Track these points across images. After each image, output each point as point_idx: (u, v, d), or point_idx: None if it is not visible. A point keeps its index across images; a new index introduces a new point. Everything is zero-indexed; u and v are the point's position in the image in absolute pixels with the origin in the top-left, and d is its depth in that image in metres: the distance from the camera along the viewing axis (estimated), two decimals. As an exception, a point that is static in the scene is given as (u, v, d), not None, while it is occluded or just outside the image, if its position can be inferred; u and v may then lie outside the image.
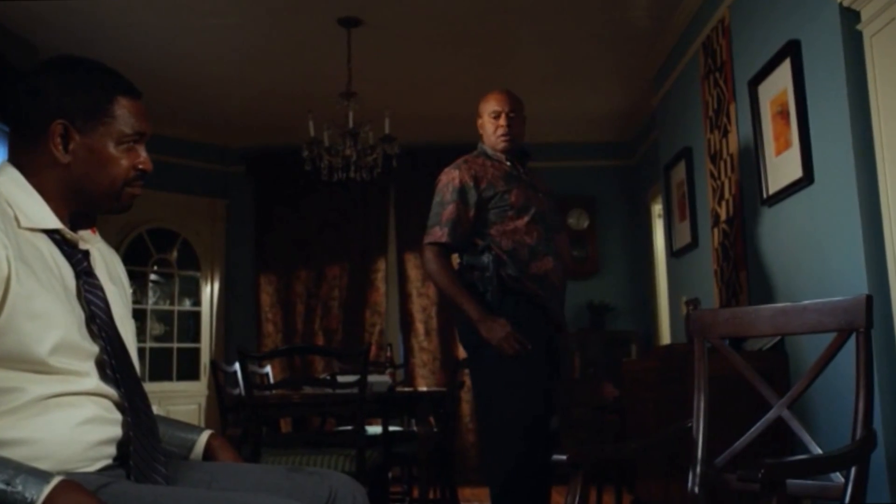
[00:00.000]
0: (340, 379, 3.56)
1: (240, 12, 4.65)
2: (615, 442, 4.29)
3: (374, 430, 4.10)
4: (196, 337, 6.72)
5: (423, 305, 6.70)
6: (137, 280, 6.39)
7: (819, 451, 1.82)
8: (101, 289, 1.39)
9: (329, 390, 3.54)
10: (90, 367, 1.32)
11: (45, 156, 1.36)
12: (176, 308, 6.67)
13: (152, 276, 6.62)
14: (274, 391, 3.85)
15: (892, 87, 2.69)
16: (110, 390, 1.33)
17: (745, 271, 3.84)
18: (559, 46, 5.19)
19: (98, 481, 1.22)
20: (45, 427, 1.24)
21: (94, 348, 1.34)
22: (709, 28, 4.28)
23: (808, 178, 3.17)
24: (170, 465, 1.40)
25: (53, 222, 1.35)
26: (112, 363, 1.35)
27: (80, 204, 1.40)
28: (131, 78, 1.46)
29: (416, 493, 4.19)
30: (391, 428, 4.09)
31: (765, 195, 3.56)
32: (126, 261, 2.16)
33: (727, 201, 4.05)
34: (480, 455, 6.20)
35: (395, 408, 3.92)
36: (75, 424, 1.27)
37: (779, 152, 3.44)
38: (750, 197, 3.78)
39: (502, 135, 2.95)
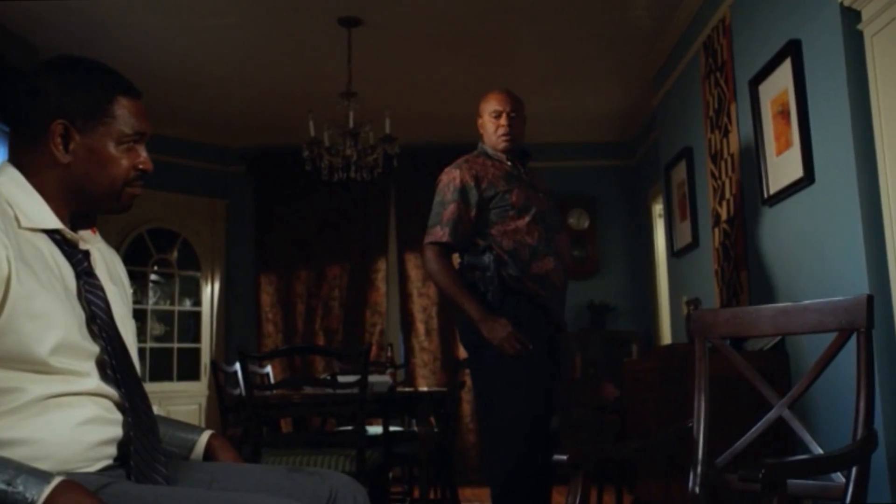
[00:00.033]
0: (341, 379, 3.56)
1: (240, 12, 4.65)
2: (615, 442, 4.29)
3: (375, 430, 4.10)
4: (196, 337, 6.72)
5: (423, 305, 6.70)
6: (138, 280, 6.39)
7: (820, 451, 1.82)
8: (102, 289, 1.39)
9: (329, 390, 3.54)
10: (91, 367, 1.32)
11: (45, 156, 1.36)
12: (176, 308, 6.67)
13: (152, 276, 6.62)
14: (274, 391, 3.86)
15: (892, 86, 2.69)
16: (111, 390, 1.33)
17: (745, 271, 3.84)
18: (559, 46, 5.19)
19: (98, 481, 1.22)
20: (46, 427, 1.24)
21: (95, 348, 1.34)
22: (709, 28, 4.28)
23: (808, 178, 3.17)
24: (170, 466, 1.40)
25: (54, 222, 1.35)
26: (112, 363, 1.35)
27: (80, 204, 1.40)
28: (131, 78, 1.46)
29: (416, 494, 4.20)
30: (392, 428, 4.09)
31: (765, 195, 3.56)
32: (126, 261, 2.16)
33: (728, 201, 4.04)
34: (481, 455, 6.19)
35: (396, 408, 3.92)
36: (76, 424, 1.27)
37: (779, 152, 3.44)
38: (751, 197, 3.77)
39: (503, 134, 2.94)
